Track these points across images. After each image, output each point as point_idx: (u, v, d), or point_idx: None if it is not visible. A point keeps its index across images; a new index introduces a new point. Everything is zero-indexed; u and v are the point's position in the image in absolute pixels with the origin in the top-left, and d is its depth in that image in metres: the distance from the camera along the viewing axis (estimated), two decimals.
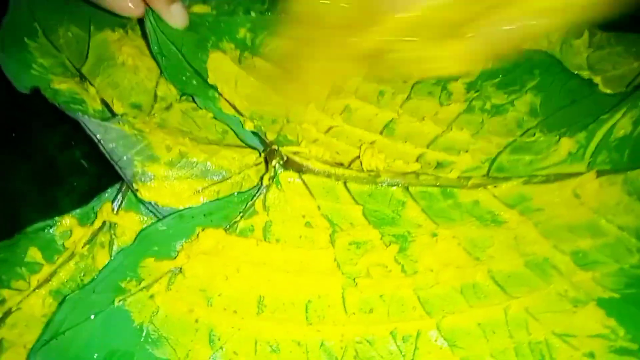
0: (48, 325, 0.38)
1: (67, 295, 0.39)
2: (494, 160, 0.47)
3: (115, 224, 0.44)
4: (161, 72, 0.49)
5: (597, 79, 0.50)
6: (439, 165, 0.46)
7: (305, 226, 0.43)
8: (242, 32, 0.52)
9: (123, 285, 0.40)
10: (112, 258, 0.41)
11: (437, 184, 0.45)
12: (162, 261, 0.41)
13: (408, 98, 0.51)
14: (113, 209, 0.44)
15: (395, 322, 0.39)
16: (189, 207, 0.43)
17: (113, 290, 0.40)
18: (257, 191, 0.44)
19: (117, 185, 0.45)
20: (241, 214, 0.43)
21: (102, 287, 0.40)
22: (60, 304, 0.39)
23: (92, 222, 0.44)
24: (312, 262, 0.42)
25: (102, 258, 0.42)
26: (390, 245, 0.42)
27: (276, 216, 0.44)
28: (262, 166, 0.46)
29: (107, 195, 0.45)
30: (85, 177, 0.50)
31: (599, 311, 0.39)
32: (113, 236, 0.43)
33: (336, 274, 0.41)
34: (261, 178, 0.44)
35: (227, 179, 0.44)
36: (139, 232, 0.42)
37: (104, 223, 0.44)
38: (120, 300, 0.39)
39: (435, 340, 0.38)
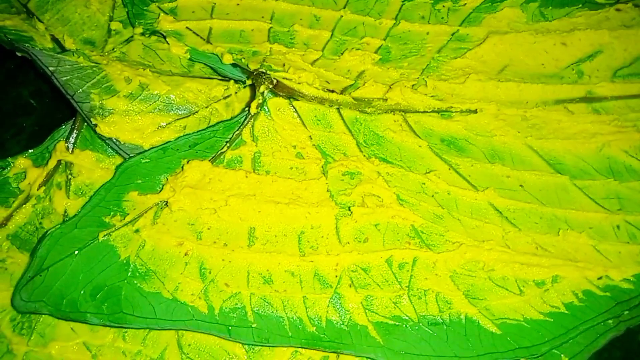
0: (31, 262, 0.39)
1: (47, 230, 0.39)
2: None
3: (71, 164, 0.43)
4: (129, 18, 0.49)
5: None
6: (436, 88, 0.46)
7: (296, 157, 0.44)
8: None
9: (107, 220, 0.40)
10: (94, 193, 0.41)
11: (437, 109, 0.45)
12: (147, 195, 0.41)
13: (395, 24, 0.50)
14: (67, 148, 0.44)
15: (391, 250, 0.40)
16: (173, 140, 0.43)
17: (96, 225, 0.40)
18: (245, 119, 0.44)
19: (70, 123, 0.45)
20: (227, 144, 0.43)
21: (85, 222, 0.40)
22: (41, 239, 0.39)
23: (47, 163, 0.44)
24: (304, 193, 0.42)
25: (60, 199, 0.42)
26: (386, 174, 0.43)
27: (265, 146, 0.44)
28: (231, 99, 0.45)
29: (60, 133, 0.45)
30: (34, 117, 0.49)
31: None
32: (70, 176, 0.43)
33: (329, 205, 0.42)
34: (248, 105, 0.44)
35: (194, 113, 0.44)
36: (119, 165, 0.42)
37: (59, 162, 0.43)
38: (104, 235, 0.39)
39: (432, 267, 0.39)
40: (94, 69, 0.43)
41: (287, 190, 0.42)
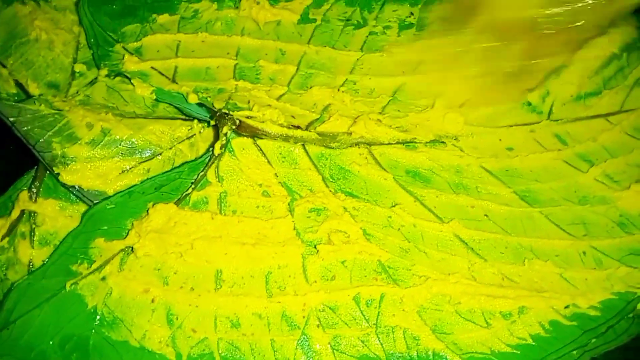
0: None
1: (14, 283, 0.39)
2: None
3: (35, 213, 0.43)
4: (94, 60, 0.49)
5: None
6: (401, 119, 0.46)
7: (262, 195, 0.44)
8: (183, 7, 0.52)
9: (74, 268, 0.40)
10: (61, 241, 0.41)
11: (401, 140, 0.45)
12: (113, 241, 0.41)
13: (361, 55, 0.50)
14: (31, 197, 0.43)
15: (358, 287, 0.40)
16: (139, 183, 0.43)
17: (64, 274, 0.40)
18: (209, 160, 0.44)
19: (33, 171, 0.44)
20: (193, 185, 0.43)
21: (52, 271, 0.40)
22: (8, 292, 0.39)
23: (10, 213, 0.43)
24: (271, 232, 0.42)
25: (24, 249, 0.42)
26: (352, 209, 0.43)
27: (231, 186, 0.44)
28: (195, 139, 0.45)
29: (23, 182, 0.44)
30: None
31: None
32: (33, 225, 0.43)
33: (296, 243, 0.42)
34: (212, 146, 0.44)
35: (157, 155, 0.44)
36: (85, 212, 0.42)
37: (22, 212, 0.43)
38: (71, 284, 0.39)
39: (400, 303, 0.40)
40: (56, 116, 0.43)
41: (254, 230, 0.42)
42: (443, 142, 0.46)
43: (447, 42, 0.47)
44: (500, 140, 0.46)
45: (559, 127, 0.46)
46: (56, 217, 0.43)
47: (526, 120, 0.46)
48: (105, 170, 0.43)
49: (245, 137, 0.44)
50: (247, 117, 0.45)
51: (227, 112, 0.44)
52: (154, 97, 0.47)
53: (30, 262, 0.42)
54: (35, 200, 0.43)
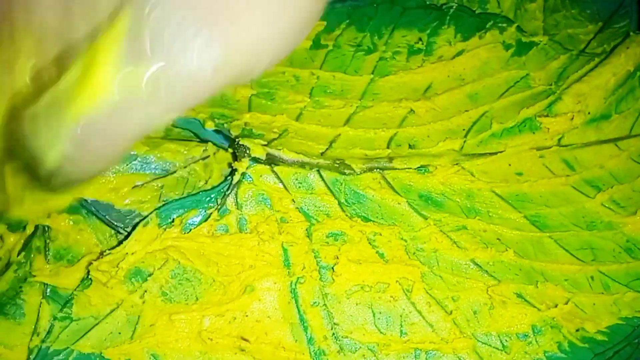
0: None
1: None
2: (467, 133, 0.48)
3: (48, 227, 0.43)
4: None
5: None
6: (412, 146, 0.47)
7: (281, 221, 0.44)
8: None
9: None
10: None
11: (411, 166, 0.46)
12: None
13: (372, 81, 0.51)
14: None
15: None
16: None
17: None
18: (227, 188, 0.44)
19: None
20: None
21: None
22: None
23: (24, 228, 0.43)
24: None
25: (39, 264, 0.42)
26: (369, 233, 0.44)
27: (250, 213, 0.44)
28: (210, 160, 0.46)
29: None
30: None
31: None
32: (47, 240, 0.43)
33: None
34: (231, 171, 0.45)
35: (171, 173, 0.44)
36: None
37: (36, 227, 0.43)
38: None
39: None
40: None
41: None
42: (456, 165, 0.47)
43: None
44: (509, 165, 0.47)
45: (568, 153, 0.47)
46: (68, 232, 0.43)
47: (537, 145, 0.47)
48: (118, 184, 0.43)
49: (263, 164, 0.45)
50: (264, 144, 0.45)
51: (244, 143, 0.45)
52: (171, 122, 0.48)
53: None
54: (49, 215, 0.43)
